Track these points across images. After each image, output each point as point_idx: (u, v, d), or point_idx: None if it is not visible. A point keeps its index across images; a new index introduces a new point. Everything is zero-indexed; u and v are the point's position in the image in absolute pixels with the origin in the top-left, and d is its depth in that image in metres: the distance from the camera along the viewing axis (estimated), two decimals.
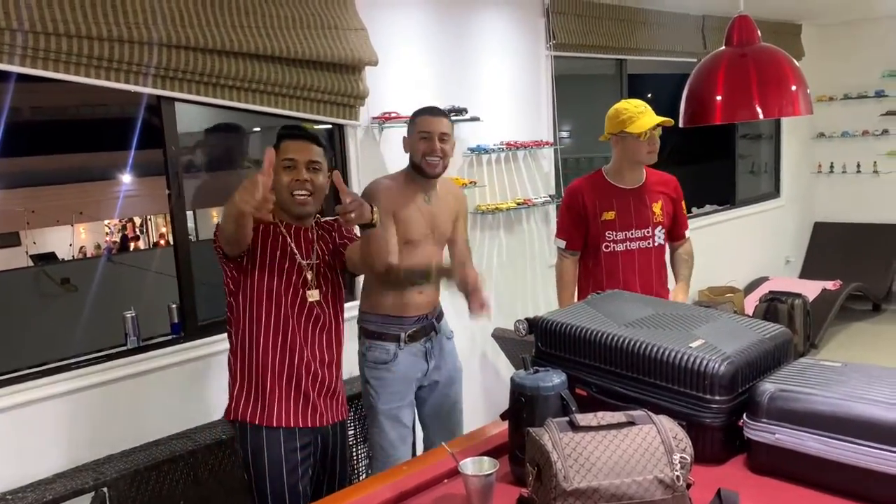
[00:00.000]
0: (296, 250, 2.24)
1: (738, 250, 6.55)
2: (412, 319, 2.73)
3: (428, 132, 2.68)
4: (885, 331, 6.31)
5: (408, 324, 2.72)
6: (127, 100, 2.92)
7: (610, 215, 2.95)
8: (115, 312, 3.20)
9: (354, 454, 3.23)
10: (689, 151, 6.73)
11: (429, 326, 2.77)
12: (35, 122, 6.68)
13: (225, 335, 2.98)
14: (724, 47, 2.20)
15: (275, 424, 2.19)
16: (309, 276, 2.24)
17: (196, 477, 2.67)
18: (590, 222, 2.97)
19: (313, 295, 2.25)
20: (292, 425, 2.22)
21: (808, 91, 2.10)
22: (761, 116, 2.07)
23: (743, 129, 6.83)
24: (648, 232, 2.97)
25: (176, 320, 3.11)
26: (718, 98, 2.16)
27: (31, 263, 9.08)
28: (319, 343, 2.28)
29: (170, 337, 3.10)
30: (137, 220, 13.03)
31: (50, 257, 9.53)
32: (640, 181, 3.00)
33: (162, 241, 12.15)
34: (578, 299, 2.94)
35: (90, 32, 2.61)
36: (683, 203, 3.11)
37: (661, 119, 2.85)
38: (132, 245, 12.42)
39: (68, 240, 11.28)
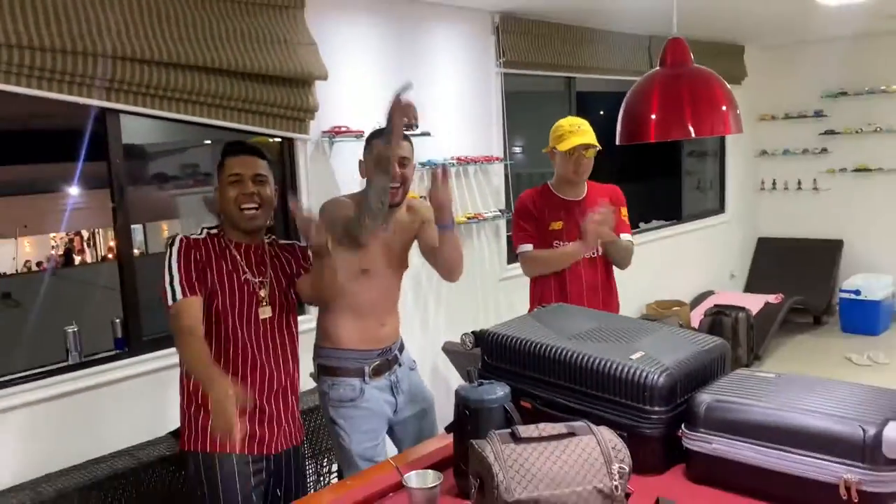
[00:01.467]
0: (246, 269, 2.22)
1: (685, 265, 6.69)
2: (375, 353, 2.55)
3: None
4: (824, 343, 6.49)
5: (371, 357, 2.54)
6: (73, 111, 2.85)
7: (558, 225, 2.99)
8: (58, 328, 3.12)
9: (308, 468, 3.19)
10: (637, 168, 6.85)
11: (392, 359, 2.61)
12: None
13: (169, 350, 2.96)
14: (658, 68, 2.27)
15: (228, 450, 2.13)
16: (262, 294, 2.23)
17: (139, 495, 2.61)
18: (539, 231, 3.02)
19: (265, 312, 2.23)
20: (245, 452, 2.18)
21: (739, 111, 2.17)
22: (693, 135, 2.12)
23: (689, 147, 7.00)
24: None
25: (119, 335, 3.05)
26: (653, 117, 2.22)
27: None
28: (275, 363, 2.25)
29: (113, 352, 3.04)
30: (85, 234, 12.75)
31: None
32: (582, 193, 3.05)
33: (110, 255, 11.90)
34: (529, 311, 2.95)
35: (35, 43, 2.57)
36: (624, 210, 3.11)
37: (583, 141, 2.90)
38: (78, 259, 12.13)
39: (11, 253, 10.98)
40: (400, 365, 2.65)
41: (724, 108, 2.15)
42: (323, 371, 2.57)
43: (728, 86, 2.22)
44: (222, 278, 2.18)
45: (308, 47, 3.43)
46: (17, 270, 10.70)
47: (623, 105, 2.28)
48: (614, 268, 3.15)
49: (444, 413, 3.50)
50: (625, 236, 3.06)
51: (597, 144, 2.93)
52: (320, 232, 2.16)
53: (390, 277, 2.62)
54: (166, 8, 2.95)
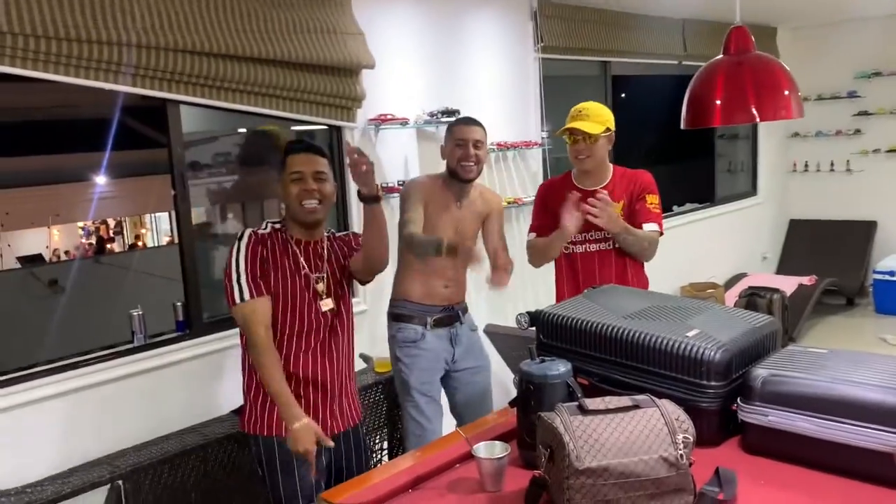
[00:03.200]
0: (305, 265, 2.31)
1: (718, 247, 6.71)
2: (438, 308, 2.96)
3: (463, 140, 2.87)
4: (857, 324, 6.51)
5: (434, 312, 2.95)
6: (101, 100, 2.94)
7: None
8: (104, 312, 3.25)
9: (371, 443, 3.32)
10: (669, 151, 6.88)
11: (453, 316, 3.00)
12: (7, 123, 6.64)
13: (229, 332, 3.09)
14: (721, 55, 2.32)
15: (285, 435, 2.22)
16: (320, 288, 2.32)
17: (207, 470, 2.74)
18: (553, 222, 2.89)
19: (327, 304, 2.34)
20: None
21: (800, 94, 2.23)
22: (758, 120, 2.19)
23: (720, 130, 6.99)
24: (607, 234, 2.86)
25: (181, 318, 3.17)
26: (718, 102, 2.28)
27: (16, 265, 9.03)
28: (335, 350, 2.35)
29: (175, 334, 3.16)
30: (111, 223, 12.91)
31: (37, 259, 9.47)
32: (603, 182, 2.91)
33: (139, 244, 12.07)
34: (557, 298, 2.96)
35: (93, 37, 2.67)
36: (651, 197, 2.88)
37: (570, 126, 2.82)
38: (108, 247, 12.31)
39: (44, 242, 11.17)
40: (461, 323, 3.03)
41: (786, 92, 2.20)
42: (393, 318, 3.00)
43: (790, 71, 2.27)
44: (286, 276, 2.27)
45: (356, 37, 3.51)
46: (49, 259, 10.90)
47: (688, 91, 2.33)
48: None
49: None
50: (648, 226, 2.84)
51: (582, 130, 2.78)
52: (370, 177, 2.21)
53: None
54: (222, 1, 3.05)
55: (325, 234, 2.43)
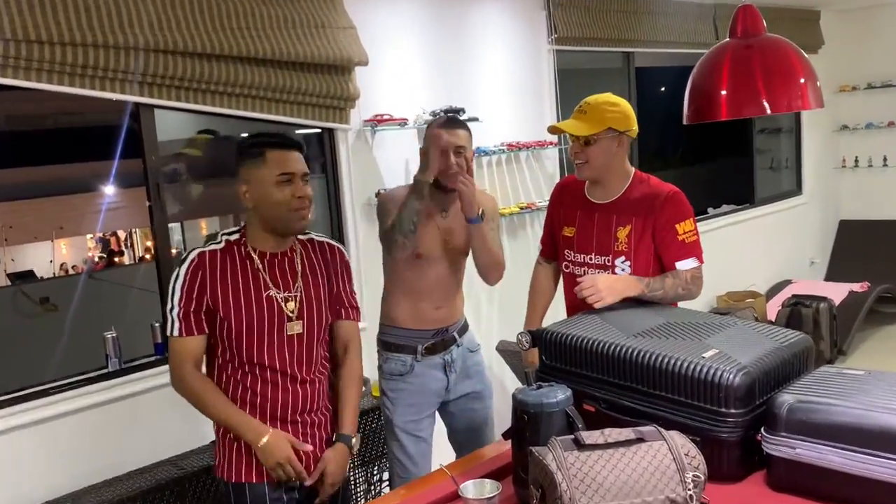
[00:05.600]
0: (270, 284, 2.11)
1: (759, 252, 6.56)
2: (430, 332, 2.75)
3: (444, 147, 2.62)
4: None
5: (426, 337, 2.74)
6: (108, 107, 2.92)
7: (570, 231, 2.60)
8: (97, 333, 3.19)
9: (351, 478, 3.21)
10: (704, 149, 6.76)
11: (449, 339, 2.79)
12: (9, 133, 6.69)
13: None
14: (728, 39, 2.20)
15: (254, 480, 2.10)
16: (289, 308, 2.12)
17: None
18: (554, 234, 2.71)
19: (294, 328, 2.13)
20: (273, 479, 2.13)
21: (819, 83, 2.10)
22: (769, 111, 2.07)
23: (761, 124, 6.85)
24: (608, 261, 2.50)
25: (160, 340, 3.10)
26: (723, 93, 2.14)
27: (7, 283, 9.10)
28: (307, 379, 2.17)
29: (153, 358, 3.10)
30: (122, 234, 13.04)
31: (28, 275, 9.55)
32: (614, 196, 2.52)
33: (148, 256, 12.17)
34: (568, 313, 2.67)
35: (66, 38, 2.63)
36: (682, 225, 2.43)
37: (558, 124, 2.55)
38: (117, 260, 12.43)
39: (48, 256, 11.28)
40: (458, 346, 2.81)
41: (801, 80, 2.07)
42: (381, 345, 2.81)
43: (805, 55, 2.14)
44: (243, 296, 2.07)
45: (347, 31, 3.44)
46: (54, 274, 10.99)
47: (690, 80, 2.21)
48: None
49: (500, 416, 3.48)
50: (683, 264, 2.40)
51: (565, 130, 2.47)
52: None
53: (448, 262, 2.75)
54: None
55: (304, 237, 2.23)
